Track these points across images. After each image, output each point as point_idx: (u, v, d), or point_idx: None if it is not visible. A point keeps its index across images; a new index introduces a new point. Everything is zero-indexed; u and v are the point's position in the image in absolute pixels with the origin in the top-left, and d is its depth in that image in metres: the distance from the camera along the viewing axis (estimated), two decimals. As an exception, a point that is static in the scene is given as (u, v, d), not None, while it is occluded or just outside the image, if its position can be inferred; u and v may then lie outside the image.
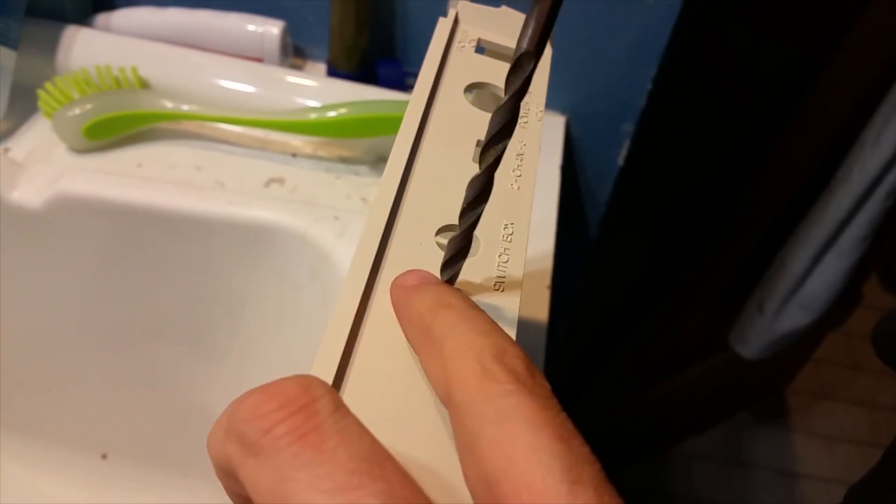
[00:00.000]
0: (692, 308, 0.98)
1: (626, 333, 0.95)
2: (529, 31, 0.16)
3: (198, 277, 0.49)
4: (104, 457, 0.56)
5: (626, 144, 0.58)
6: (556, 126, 0.58)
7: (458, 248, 0.19)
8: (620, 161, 0.59)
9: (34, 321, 0.52)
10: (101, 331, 0.52)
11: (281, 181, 0.50)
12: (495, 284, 0.21)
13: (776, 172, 0.81)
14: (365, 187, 0.51)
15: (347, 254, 0.43)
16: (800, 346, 0.98)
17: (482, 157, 0.18)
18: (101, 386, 0.55)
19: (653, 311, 0.92)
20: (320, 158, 0.52)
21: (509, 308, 0.21)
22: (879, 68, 0.72)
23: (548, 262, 0.48)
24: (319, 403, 0.15)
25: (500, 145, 0.18)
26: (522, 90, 0.17)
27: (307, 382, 0.15)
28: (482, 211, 0.19)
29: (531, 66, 0.17)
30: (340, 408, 0.15)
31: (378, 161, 0.52)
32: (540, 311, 0.45)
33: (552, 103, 0.58)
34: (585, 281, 0.73)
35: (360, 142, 0.52)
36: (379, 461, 0.14)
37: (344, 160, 0.52)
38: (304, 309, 0.47)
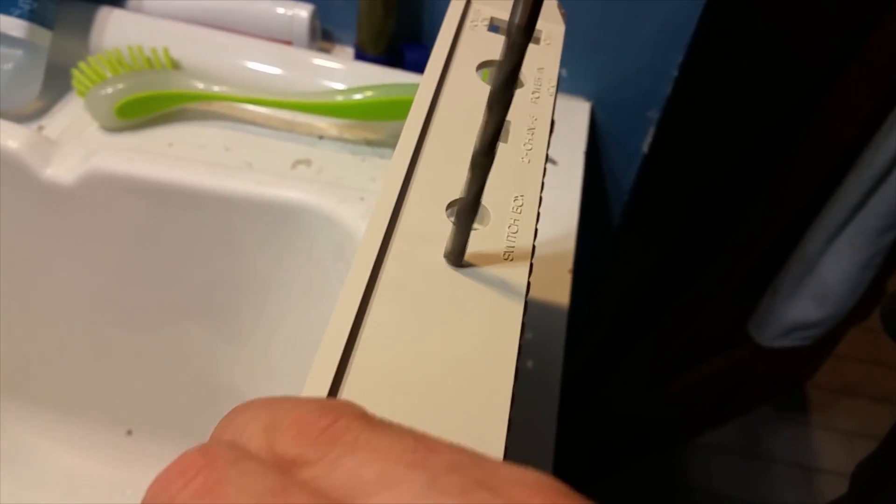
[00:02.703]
0: (714, 299, 0.98)
1: (647, 322, 0.95)
2: (520, 7, 0.17)
3: (225, 256, 0.50)
4: (129, 433, 0.57)
5: (651, 131, 0.58)
6: (581, 112, 0.58)
7: (468, 204, 0.20)
8: (645, 148, 0.59)
9: (62, 296, 0.53)
10: (128, 307, 0.53)
11: (307, 162, 0.51)
12: (505, 254, 0.22)
13: (801, 163, 0.80)
14: (390, 170, 0.51)
15: (373, 235, 0.43)
16: (820, 340, 0.98)
17: (486, 115, 0.19)
18: (127, 362, 0.56)
19: (675, 300, 0.92)
20: (346, 141, 0.53)
21: (518, 279, 0.21)
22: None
23: (570, 247, 0.48)
24: (220, 460, 0.14)
25: (500, 112, 0.18)
26: (517, 63, 0.18)
27: (206, 449, 0.14)
28: (489, 168, 0.19)
29: (523, 41, 0.17)
30: (241, 457, 0.14)
31: (403, 144, 0.53)
32: (561, 295, 0.45)
33: (577, 90, 0.58)
34: (608, 267, 0.73)
35: (385, 125, 0.53)
36: (284, 487, 0.13)
37: (369, 143, 0.53)
38: (328, 289, 0.47)
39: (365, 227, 0.44)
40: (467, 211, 0.20)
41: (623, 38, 0.54)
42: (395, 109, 0.50)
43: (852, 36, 0.69)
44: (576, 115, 0.57)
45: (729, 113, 0.70)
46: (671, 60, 0.54)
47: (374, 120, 0.51)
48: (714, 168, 0.77)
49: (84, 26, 0.53)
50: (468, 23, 0.29)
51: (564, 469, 0.41)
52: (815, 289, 0.90)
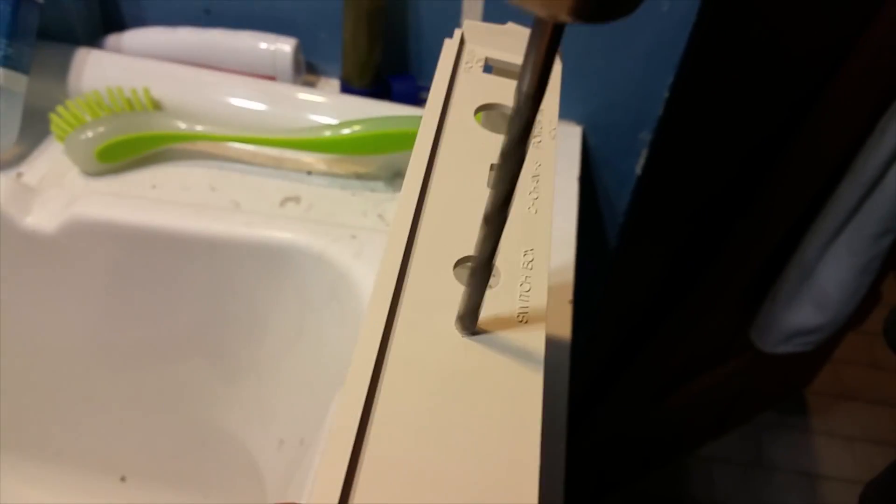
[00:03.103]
0: (711, 312, 0.97)
1: (646, 340, 0.94)
2: (528, 75, 0.16)
3: (215, 298, 0.48)
4: (123, 479, 0.56)
5: (644, 153, 0.57)
6: (572, 137, 0.57)
7: (478, 281, 0.19)
8: (638, 170, 0.59)
9: (50, 344, 0.51)
10: (118, 352, 0.52)
11: (297, 200, 0.50)
12: (518, 316, 0.21)
13: (795, 174, 0.80)
14: (381, 203, 0.50)
15: (365, 273, 0.43)
16: (819, 346, 0.97)
17: (492, 195, 0.18)
18: (119, 408, 0.55)
19: (672, 316, 0.91)
20: (335, 175, 0.52)
21: (535, 343, 0.20)
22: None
23: (569, 276, 0.47)
24: None
25: (509, 185, 0.17)
26: (527, 130, 0.17)
27: None
28: (500, 235, 0.18)
29: (532, 109, 0.16)
30: None
31: (394, 177, 0.52)
32: (562, 327, 0.44)
33: (568, 114, 0.57)
34: (605, 288, 0.72)
35: (375, 158, 0.51)
36: None
37: (359, 177, 0.52)
38: (322, 329, 0.46)
39: (359, 267, 0.43)
40: (479, 281, 0.19)
41: (612, 61, 0.53)
42: (384, 143, 0.49)
43: (840, 46, 0.69)
44: (568, 139, 0.56)
45: (721, 129, 0.69)
46: (662, 82, 0.53)
47: (364, 154, 0.50)
48: (709, 183, 0.77)
49: (61, 69, 0.52)
50: (463, 64, 0.28)
51: (569, 490, 0.40)
52: (814, 295, 0.89)
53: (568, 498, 0.39)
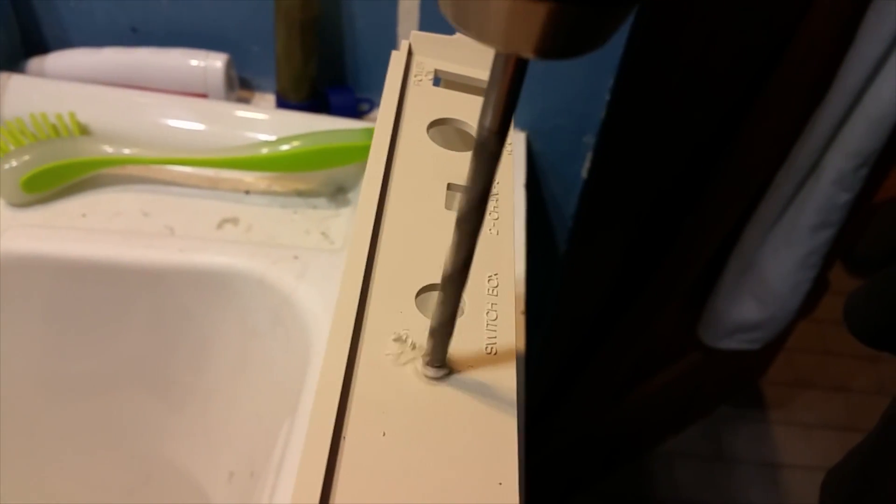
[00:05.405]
0: (664, 310, 0.97)
1: (600, 342, 0.94)
2: (491, 112, 0.15)
3: (155, 327, 0.47)
4: (67, 518, 0.54)
5: (589, 157, 0.57)
6: (517, 143, 0.56)
7: (442, 324, 0.18)
8: (584, 174, 0.58)
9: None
10: (58, 387, 0.50)
11: (235, 221, 0.48)
12: (487, 348, 0.19)
13: (737, 170, 0.81)
14: (324, 221, 0.49)
15: (310, 296, 0.41)
16: (765, 344, 0.98)
17: (458, 230, 0.17)
18: (61, 445, 0.52)
19: (625, 316, 0.91)
20: (275, 194, 0.50)
21: (506, 382, 0.19)
22: (829, 59, 0.72)
23: (520, 288, 0.46)
24: None
25: (475, 222, 0.16)
26: (491, 170, 0.15)
27: None
28: (464, 285, 0.17)
29: (496, 148, 0.15)
30: None
31: (337, 192, 0.51)
32: (517, 340, 0.43)
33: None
34: (557, 295, 0.71)
35: (316, 173, 0.50)
36: None
37: (300, 194, 0.50)
38: (267, 355, 0.44)
39: (303, 289, 0.41)
40: (444, 326, 0.17)
41: (553, 66, 0.52)
42: (325, 158, 0.48)
43: (777, 40, 0.69)
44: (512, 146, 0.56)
45: (664, 129, 0.69)
46: (603, 84, 0.52)
47: (305, 170, 0.49)
48: (654, 184, 0.77)
49: (-20, 95, 0.50)
50: (412, 78, 0.27)
51: (535, 496, 0.39)
52: (754, 287, 0.90)
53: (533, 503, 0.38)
